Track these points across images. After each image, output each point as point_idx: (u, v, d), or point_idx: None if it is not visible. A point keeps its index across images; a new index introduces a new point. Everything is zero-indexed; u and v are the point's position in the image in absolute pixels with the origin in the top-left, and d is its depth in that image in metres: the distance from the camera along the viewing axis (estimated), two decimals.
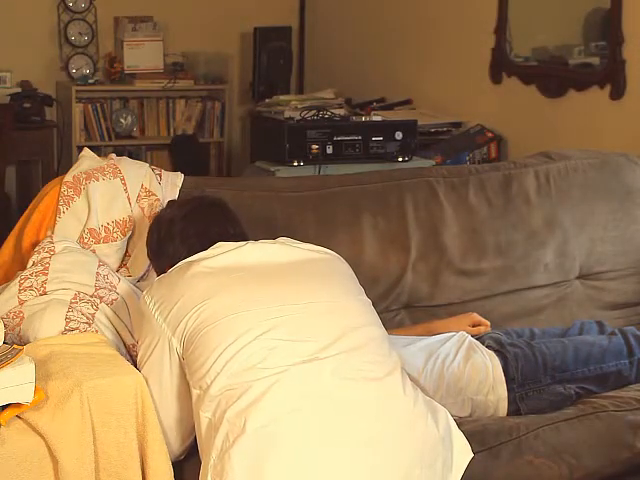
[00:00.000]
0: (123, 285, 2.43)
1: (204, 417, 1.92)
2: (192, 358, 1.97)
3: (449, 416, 2.08)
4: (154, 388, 2.04)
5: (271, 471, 1.83)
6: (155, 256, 2.32)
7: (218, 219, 2.27)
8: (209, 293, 2.00)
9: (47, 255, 2.36)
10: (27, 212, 2.62)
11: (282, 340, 1.94)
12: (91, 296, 2.29)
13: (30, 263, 2.37)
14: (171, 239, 2.25)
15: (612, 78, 3.87)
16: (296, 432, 1.86)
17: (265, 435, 1.85)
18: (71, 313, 2.20)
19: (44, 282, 2.28)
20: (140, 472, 1.99)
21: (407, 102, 5.06)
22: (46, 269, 2.32)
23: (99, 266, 2.40)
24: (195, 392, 1.96)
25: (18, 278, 2.32)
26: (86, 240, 2.51)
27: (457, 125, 4.70)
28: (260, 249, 2.13)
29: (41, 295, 2.26)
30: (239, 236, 2.22)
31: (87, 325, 2.21)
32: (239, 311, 1.97)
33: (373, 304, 2.22)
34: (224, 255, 2.09)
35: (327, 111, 4.19)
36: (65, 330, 2.17)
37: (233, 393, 1.89)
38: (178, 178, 2.72)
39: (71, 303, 2.24)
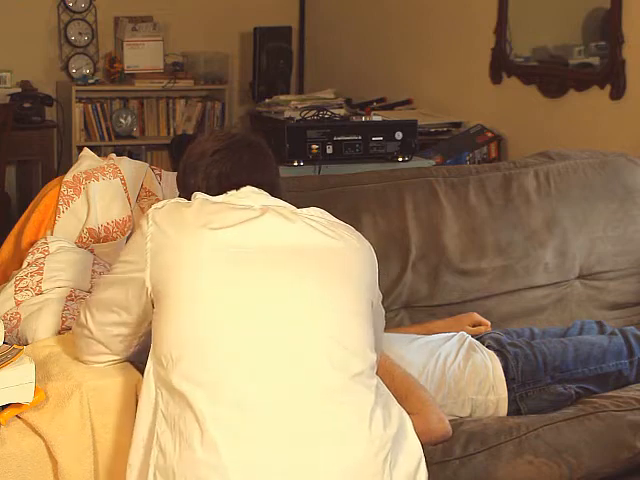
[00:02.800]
0: None
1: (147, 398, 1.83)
2: (157, 315, 1.87)
3: (422, 463, 1.91)
4: (112, 294, 1.94)
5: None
6: (179, 185, 2.17)
7: (248, 163, 2.08)
8: (203, 267, 1.85)
9: (41, 255, 2.37)
10: (27, 212, 2.62)
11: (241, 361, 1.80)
12: (87, 292, 2.29)
13: (25, 264, 2.37)
14: (194, 173, 2.10)
15: (612, 78, 3.87)
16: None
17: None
18: (67, 312, 2.20)
19: (39, 282, 2.28)
20: None
21: (407, 102, 5.06)
22: (41, 269, 2.32)
23: (94, 264, 2.40)
24: (149, 362, 1.85)
25: (14, 279, 2.32)
26: (85, 240, 2.51)
27: (457, 125, 4.70)
28: (277, 225, 1.94)
29: (37, 295, 2.26)
30: (266, 185, 2.05)
31: None
32: (220, 315, 1.83)
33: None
34: (239, 227, 1.90)
35: (327, 111, 4.18)
36: (62, 329, 2.17)
37: (173, 411, 1.78)
38: None
39: (67, 301, 2.24)
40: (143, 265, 1.89)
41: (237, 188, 2.01)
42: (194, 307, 1.83)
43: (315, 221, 1.99)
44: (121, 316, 1.96)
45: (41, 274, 2.31)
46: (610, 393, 2.55)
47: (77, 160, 2.68)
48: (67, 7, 5.61)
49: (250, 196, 1.99)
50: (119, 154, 2.79)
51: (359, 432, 1.80)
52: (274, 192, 2.06)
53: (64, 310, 2.21)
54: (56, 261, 2.35)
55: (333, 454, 1.78)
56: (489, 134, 4.49)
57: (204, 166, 2.08)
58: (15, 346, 1.93)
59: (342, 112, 4.61)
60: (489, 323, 2.77)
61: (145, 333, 2.00)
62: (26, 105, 5.26)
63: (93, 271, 2.37)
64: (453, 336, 2.64)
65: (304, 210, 2.02)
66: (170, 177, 2.71)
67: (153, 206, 1.96)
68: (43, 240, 2.44)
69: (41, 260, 2.35)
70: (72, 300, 2.25)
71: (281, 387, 1.80)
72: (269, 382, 1.80)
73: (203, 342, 1.81)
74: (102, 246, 2.52)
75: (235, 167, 2.06)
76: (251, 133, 2.22)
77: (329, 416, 1.80)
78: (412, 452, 1.89)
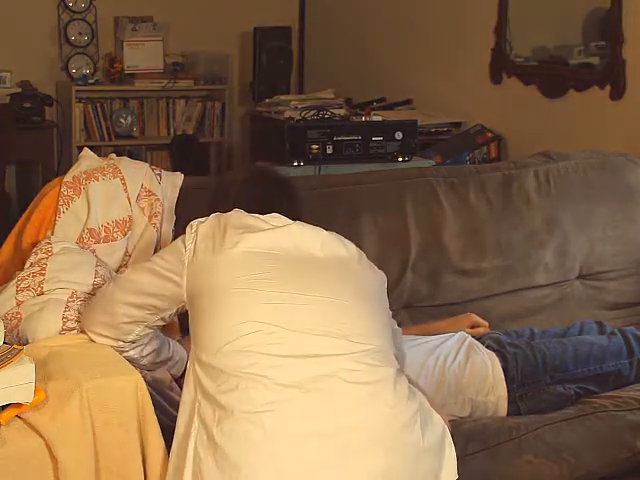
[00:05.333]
0: None
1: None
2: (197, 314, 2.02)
3: (446, 432, 2.04)
4: (145, 279, 2.10)
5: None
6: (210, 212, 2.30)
7: (276, 191, 2.24)
8: (237, 266, 2.01)
9: (44, 256, 2.36)
10: (27, 212, 2.62)
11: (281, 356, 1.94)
12: (89, 294, 2.29)
13: (28, 264, 2.37)
14: (225, 199, 2.23)
15: (612, 78, 3.87)
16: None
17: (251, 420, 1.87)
18: (68, 313, 2.20)
19: (41, 282, 2.28)
20: (142, 471, 1.99)
21: (407, 102, 5.06)
22: (43, 270, 2.32)
23: (97, 265, 2.40)
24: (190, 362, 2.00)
25: (15, 279, 2.32)
26: (86, 240, 2.51)
27: (457, 125, 4.70)
28: (305, 233, 2.11)
29: (38, 295, 2.26)
30: (293, 213, 2.18)
31: None
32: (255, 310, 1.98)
33: None
34: (273, 232, 2.07)
35: (327, 111, 4.19)
36: (62, 330, 2.17)
37: (222, 386, 1.91)
38: (178, 178, 2.72)
39: (68, 302, 2.24)
40: (181, 269, 2.04)
41: (264, 212, 2.14)
42: (231, 306, 1.97)
43: (334, 236, 2.16)
44: (142, 300, 2.11)
45: (43, 275, 2.31)
46: (610, 393, 2.55)
47: (77, 160, 2.67)
48: (67, 7, 5.61)
49: (276, 217, 2.13)
50: (119, 154, 2.78)
51: (386, 387, 1.94)
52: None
53: (65, 311, 2.21)
54: (59, 262, 2.35)
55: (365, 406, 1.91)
56: (489, 134, 4.49)
57: (234, 193, 2.24)
58: (15, 346, 1.93)
59: (342, 112, 4.61)
60: (487, 324, 2.77)
61: (152, 326, 2.15)
62: (26, 105, 5.26)
63: (96, 272, 2.37)
64: (452, 336, 2.65)
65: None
66: (170, 177, 2.71)
67: (197, 220, 2.11)
68: (47, 240, 2.44)
69: (44, 261, 2.35)
70: (73, 301, 2.25)
71: (311, 369, 1.92)
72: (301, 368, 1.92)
73: (241, 335, 1.93)
74: (103, 247, 2.52)
75: (265, 193, 2.22)
76: (277, 171, 2.38)
77: (361, 372, 1.93)
78: (438, 422, 2.02)
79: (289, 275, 2.01)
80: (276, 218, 2.11)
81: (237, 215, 2.10)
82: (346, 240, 2.18)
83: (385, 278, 2.22)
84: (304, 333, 1.94)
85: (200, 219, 2.11)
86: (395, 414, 1.92)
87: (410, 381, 2.07)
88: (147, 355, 2.22)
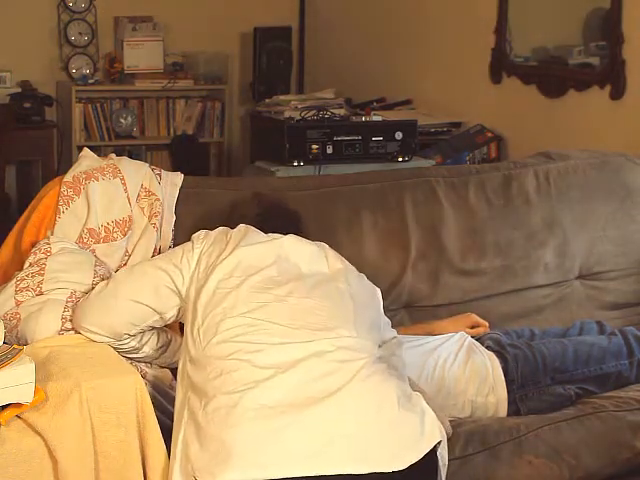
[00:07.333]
0: None
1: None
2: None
3: (427, 409, 2.06)
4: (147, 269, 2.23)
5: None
6: None
7: (285, 226, 2.35)
8: (229, 274, 2.13)
9: (43, 256, 2.36)
10: (27, 212, 2.62)
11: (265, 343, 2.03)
12: (87, 293, 2.29)
13: (27, 264, 2.37)
14: None
15: (612, 78, 3.87)
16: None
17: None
18: (67, 313, 2.21)
19: (40, 282, 2.28)
20: (142, 471, 1.99)
21: (407, 102, 5.06)
22: (42, 270, 2.32)
23: (96, 265, 2.40)
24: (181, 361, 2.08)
25: (15, 279, 2.32)
26: (86, 240, 2.51)
27: (457, 125, 4.70)
28: (296, 245, 2.24)
29: (37, 295, 2.26)
30: None
31: None
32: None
33: None
34: (264, 244, 2.21)
35: (327, 111, 4.19)
36: (61, 330, 2.17)
37: (209, 375, 2.00)
38: (178, 178, 2.72)
39: (67, 302, 2.24)
40: (186, 272, 2.17)
41: None
42: (219, 303, 2.09)
43: (321, 252, 2.27)
44: (145, 297, 2.19)
45: (42, 275, 2.31)
46: (610, 393, 2.55)
47: (77, 160, 2.68)
48: (67, 7, 5.61)
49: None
50: (119, 154, 2.78)
51: (362, 366, 2.02)
52: None
53: (64, 311, 2.21)
54: (58, 262, 2.35)
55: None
56: (489, 134, 4.49)
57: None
58: (15, 346, 1.93)
59: (342, 112, 4.61)
60: (487, 324, 2.76)
61: (141, 334, 2.23)
62: (26, 105, 5.26)
63: (95, 272, 2.37)
64: (452, 336, 2.64)
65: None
66: (170, 177, 2.71)
67: (205, 230, 2.26)
68: (45, 241, 2.44)
69: (43, 261, 2.35)
70: (72, 301, 2.25)
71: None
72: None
73: (227, 329, 2.05)
74: (103, 247, 2.52)
75: (273, 230, 2.30)
76: (289, 205, 2.52)
77: (337, 352, 2.03)
78: (417, 401, 2.05)
79: (276, 280, 2.13)
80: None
81: (242, 228, 2.26)
82: (331, 255, 2.26)
83: (376, 290, 2.30)
84: (285, 326, 2.05)
85: (207, 231, 2.25)
86: (370, 385, 1.99)
87: (410, 382, 2.08)
88: (147, 341, 2.27)
